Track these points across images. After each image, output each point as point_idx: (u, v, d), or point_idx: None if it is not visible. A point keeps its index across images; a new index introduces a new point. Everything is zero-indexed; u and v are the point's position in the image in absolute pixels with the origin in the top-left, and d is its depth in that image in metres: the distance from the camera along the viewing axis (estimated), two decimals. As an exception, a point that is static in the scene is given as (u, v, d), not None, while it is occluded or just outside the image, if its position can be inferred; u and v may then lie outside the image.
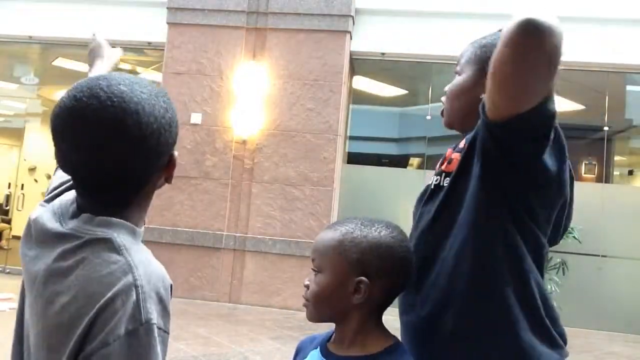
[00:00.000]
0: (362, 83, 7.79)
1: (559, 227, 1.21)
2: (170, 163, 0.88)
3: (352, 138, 7.48)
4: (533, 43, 0.96)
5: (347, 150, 7.31)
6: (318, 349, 1.16)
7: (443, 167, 1.26)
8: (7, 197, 10.21)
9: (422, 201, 1.29)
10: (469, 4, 6.59)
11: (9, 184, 10.18)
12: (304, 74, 6.70)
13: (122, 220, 0.84)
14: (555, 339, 1.14)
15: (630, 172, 8.41)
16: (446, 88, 1.33)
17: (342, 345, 1.12)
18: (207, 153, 6.74)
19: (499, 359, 1.11)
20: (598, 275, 6.49)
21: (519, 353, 1.09)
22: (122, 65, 8.68)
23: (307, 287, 1.17)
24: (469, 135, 1.19)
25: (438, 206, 1.21)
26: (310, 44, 6.71)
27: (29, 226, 0.89)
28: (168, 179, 0.90)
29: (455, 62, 1.32)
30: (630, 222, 6.56)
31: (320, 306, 1.13)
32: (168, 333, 0.79)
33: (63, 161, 0.82)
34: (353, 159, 7.40)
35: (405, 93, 8.20)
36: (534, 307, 1.12)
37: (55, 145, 0.82)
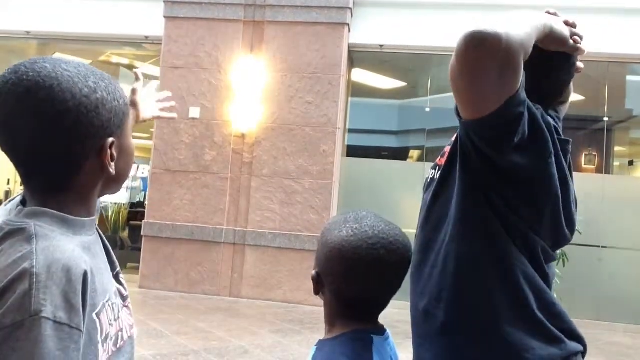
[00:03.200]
0: (361, 75, 7.76)
1: (559, 223, 1.18)
2: (102, 151, 0.83)
3: (351, 131, 7.46)
4: (478, 55, 0.98)
5: (346, 143, 7.29)
6: None
7: (437, 159, 1.27)
8: (7, 194, 10.21)
9: (423, 194, 1.30)
10: (468, -5, 6.55)
11: (8, 180, 10.18)
12: (302, 67, 6.67)
13: (46, 209, 0.81)
14: (552, 334, 1.13)
15: (631, 163, 8.42)
16: None
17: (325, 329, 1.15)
18: (206, 147, 6.73)
19: (485, 352, 1.11)
20: (598, 266, 6.49)
21: (504, 346, 1.10)
22: (120, 60, 8.66)
23: None
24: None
25: (430, 199, 1.23)
26: (308, 36, 6.68)
27: None
28: (103, 169, 0.85)
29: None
30: (630, 212, 6.55)
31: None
32: (77, 329, 0.73)
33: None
34: (352, 152, 7.38)
35: (404, 85, 8.18)
36: (522, 302, 1.12)
37: None
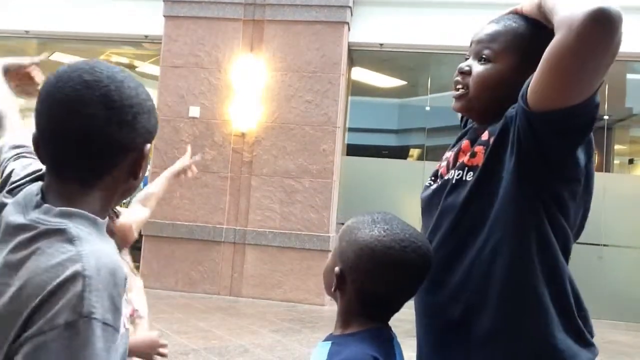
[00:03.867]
0: (361, 74, 7.76)
1: (584, 223, 1.18)
2: (141, 155, 0.89)
3: (351, 130, 7.46)
4: (603, 35, 0.92)
5: (346, 142, 7.29)
6: None
7: (465, 160, 1.18)
8: (7, 193, 10.20)
9: (442, 196, 1.20)
10: (468, -7, 6.55)
11: (8, 180, 10.18)
12: (302, 66, 6.67)
13: (82, 211, 0.83)
14: (587, 338, 1.12)
15: (631, 161, 8.40)
16: (466, 67, 1.22)
17: (335, 330, 1.14)
18: (206, 146, 6.72)
19: (535, 358, 1.08)
20: (599, 264, 6.49)
21: (554, 353, 1.07)
22: (121, 59, 8.64)
23: None
24: (495, 128, 1.14)
25: (464, 202, 1.14)
26: (308, 35, 6.67)
27: None
28: (134, 173, 0.90)
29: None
30: (630, 211, 6.55)
31: (324, 283, 1.17)
32: (117, 329, 0.76)
33: (40, 132, 0.84)
34: (352, 150, 7.38)
35: (404, 84, 8.17)
36: (566, 306, 1.10)
37: (37, 115, 0.84)
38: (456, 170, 1.20)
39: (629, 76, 7.44)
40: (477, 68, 1.20)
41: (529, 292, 1.08)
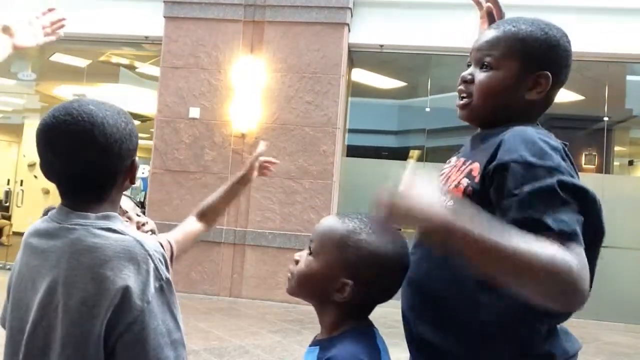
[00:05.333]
0: (361, 75, 7.76)
1: None
2: (132, 166, 1.08)
3: (351, 131, 7.46)
4: (571, 307, 1.00)
5: (346, 143, 7.29)
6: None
7: (451, 187, 1.16)
8: (7, 194, 10.21)
9: None
10: (468, -6, 6.55)
11: (9, 180, 10.17)
12: (302, 67, 6.67)
13: (113, 213, 1.05)
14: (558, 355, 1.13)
15: (631, 163, 8.40)
16: (468, 75, 1.22)
17: (321, 333, 1.13)
18: (206, 147, 6.73)
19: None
20: (598, 266, 6.47)
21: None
22: (121, 60, 8.65)
23: (297, 262, 1.13)
24: (488, 161, 1.09)
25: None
26: (308, 36, 6.68)
27: (28, 242, 1.06)
28: (131, 180, 1.10)
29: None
30: (630, 212, 6.55)
31: (302, 287, 1.12)
32: (172, 283, 1.05)
33: (47, 169, 1.02)
34: (352, 151, 7.38)
35: (404, 85, 8.18)
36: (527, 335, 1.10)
37: (40, 156, 1.01)
38: (465, 180, 1.17)
39: (629, 77, 7.44)
40: (480, 76, 1.20)
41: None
